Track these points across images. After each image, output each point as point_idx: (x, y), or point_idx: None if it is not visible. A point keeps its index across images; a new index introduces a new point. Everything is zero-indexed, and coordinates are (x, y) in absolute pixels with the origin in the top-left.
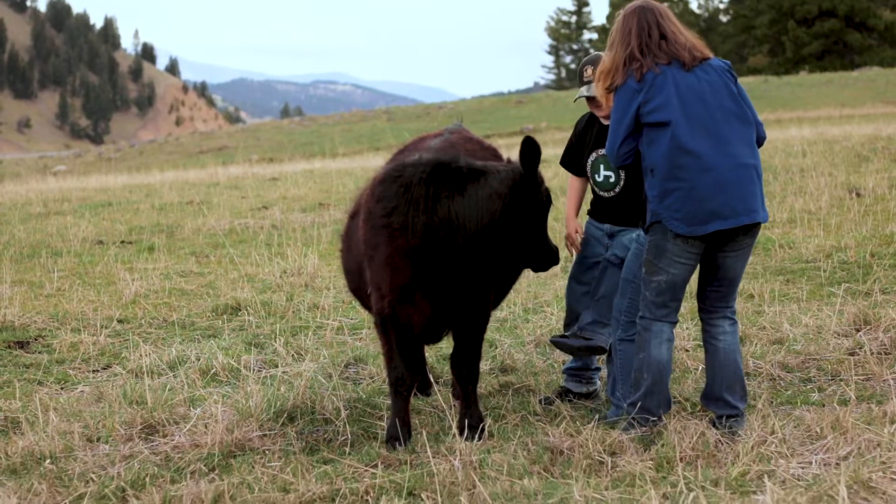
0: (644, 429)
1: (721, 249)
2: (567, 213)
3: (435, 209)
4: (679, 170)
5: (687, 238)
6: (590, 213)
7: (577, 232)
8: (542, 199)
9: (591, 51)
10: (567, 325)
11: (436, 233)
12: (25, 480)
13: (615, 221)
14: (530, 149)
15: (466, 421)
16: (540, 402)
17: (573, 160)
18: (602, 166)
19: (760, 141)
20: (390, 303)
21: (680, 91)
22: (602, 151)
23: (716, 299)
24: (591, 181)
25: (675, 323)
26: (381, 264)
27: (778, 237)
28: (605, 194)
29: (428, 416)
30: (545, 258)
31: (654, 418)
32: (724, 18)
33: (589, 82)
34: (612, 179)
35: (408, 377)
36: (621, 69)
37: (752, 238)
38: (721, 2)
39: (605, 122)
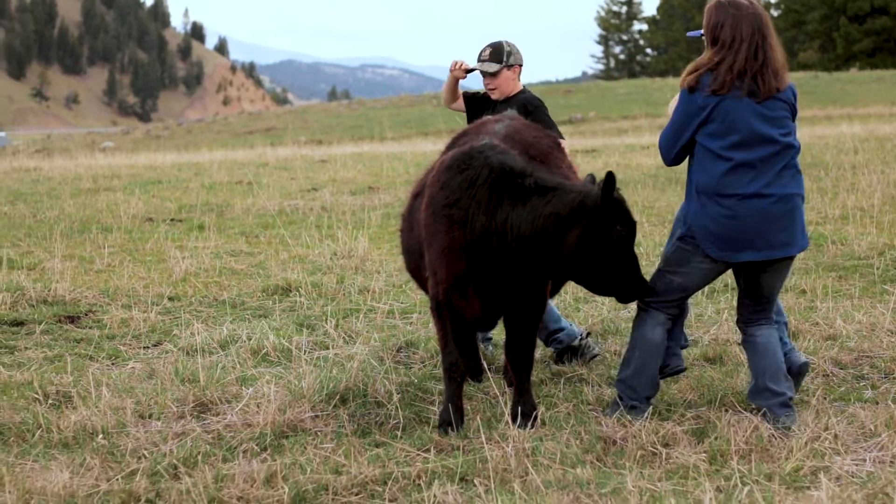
0: (627, 408)
1: (756, 269)
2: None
3: (495, 213)
4: (724, 198)
5: (716, 260)
6: None
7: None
8: (613, 235)
9: (641, 41)
10: None
11: (493, 235)
12: (78, 455)
13: None
14: (610, 182)
15: (519, 408)
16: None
17: None
18: None
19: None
20: (445, 290)
21: (741, 120)
22: None
23: (752, 312)
24: None
25: (671, 315)
26: (438, 252)
27: (830, 233)
28: None
29: (481, 402)
30: (627, 290)
31: (636, 402)
32: (774, 13)
33: (484, 60)
34: None
35: (461, 363)
36: (703, 75)
37: (788, 261)
38: None
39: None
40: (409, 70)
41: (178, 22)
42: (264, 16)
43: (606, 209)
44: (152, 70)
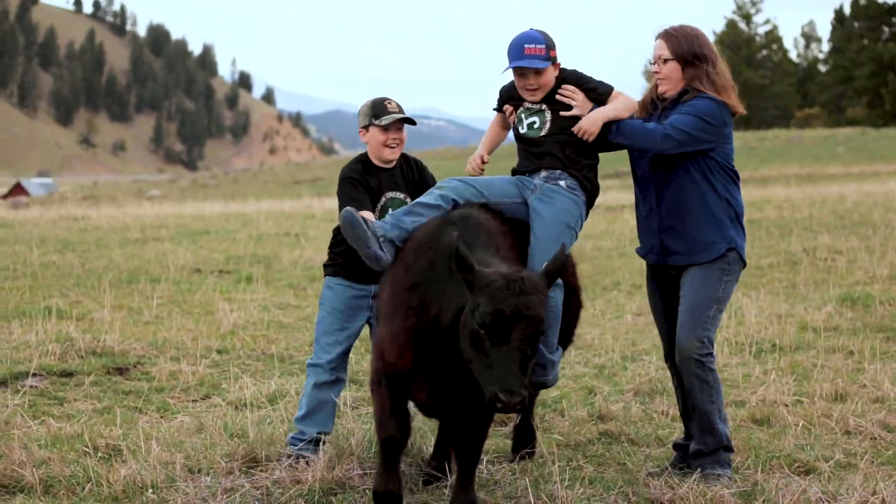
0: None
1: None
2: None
3: (447, 300)
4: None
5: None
6: None
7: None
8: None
9: None
10: None
11: (442, 322)
12: None
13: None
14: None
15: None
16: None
17: None
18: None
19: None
20: (389, 376)
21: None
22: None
23: None
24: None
25: None
26: (389, 335)
27: (878, 294)
28: None
29: (529, 462)
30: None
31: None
32: (822, 68)
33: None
34: None
35: (398, 436)
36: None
37: None
38: (820, 52)
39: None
40: (455, 122)
41: (225, 71)
42: (311, 66)
43: (476, 295)
44: (199, 118)
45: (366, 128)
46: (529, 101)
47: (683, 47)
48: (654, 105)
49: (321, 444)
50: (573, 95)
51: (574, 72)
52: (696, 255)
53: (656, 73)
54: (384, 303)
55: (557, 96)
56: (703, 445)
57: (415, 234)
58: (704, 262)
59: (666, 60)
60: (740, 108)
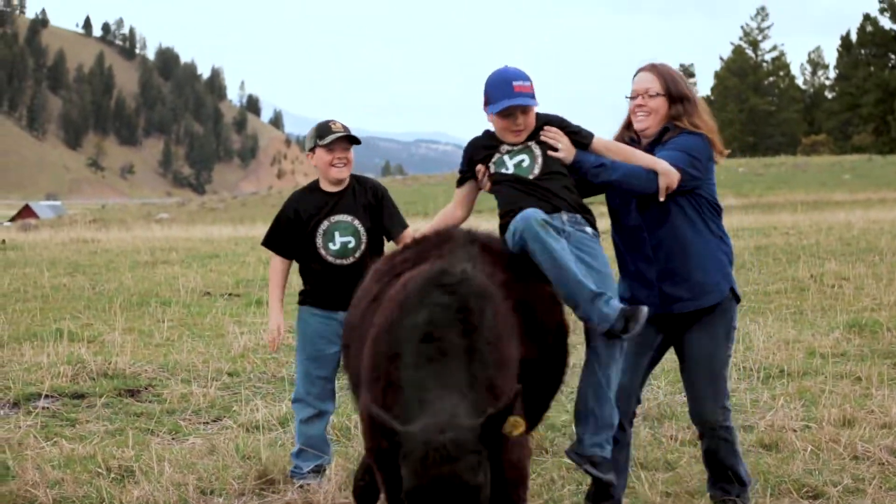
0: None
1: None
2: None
3: None
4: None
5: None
6: None
7: None
8: None
9: None
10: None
11: None
12: None
13: None
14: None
15: None
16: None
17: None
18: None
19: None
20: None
21: None
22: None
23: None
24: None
25: None
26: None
27: (886, 320)
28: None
29: (538, 486)
30: None
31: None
32: (829, 95)
33: (336, 132)
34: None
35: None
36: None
37: None
38: (827, 78)
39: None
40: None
41: (234, 95)
42: (319, 90)
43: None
44: (207, 142)
45: (312, 150)
46: (510, 144)
47: (670, 84)
48: (631, 143)
49: (322, 472)
50: (558, 137)
51: (554, 115)
52: (702, 299)
53: (640, 106)
54: (365, 368)
55: (543, 137)
56: (729, 493)
57: (406, 282)
58: (708, 309)
59: (653, 95)
60: (724, 151)
